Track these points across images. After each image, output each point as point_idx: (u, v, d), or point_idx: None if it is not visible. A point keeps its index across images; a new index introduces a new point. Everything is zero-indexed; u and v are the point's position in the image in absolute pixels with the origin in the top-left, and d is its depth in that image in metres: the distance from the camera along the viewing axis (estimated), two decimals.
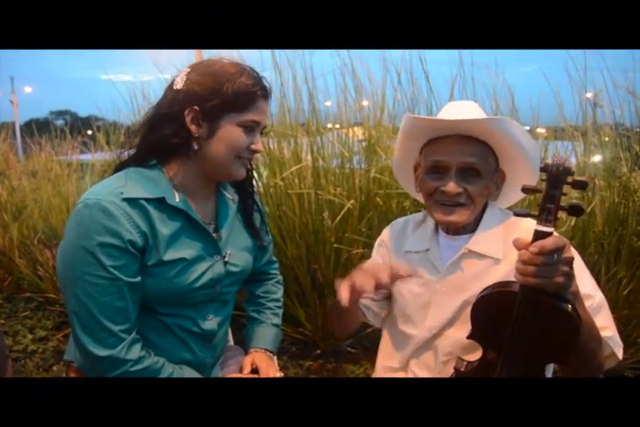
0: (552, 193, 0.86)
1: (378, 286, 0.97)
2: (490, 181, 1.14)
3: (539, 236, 0.85)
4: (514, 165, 1.17)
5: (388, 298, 1.29)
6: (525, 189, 0.92)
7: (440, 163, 1.12)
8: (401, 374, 1.24)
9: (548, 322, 0.91)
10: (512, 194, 1.26)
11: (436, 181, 1.12)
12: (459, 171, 1.10)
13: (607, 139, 2.52)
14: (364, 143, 2.64)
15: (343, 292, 0.96)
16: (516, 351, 0.95)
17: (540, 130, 2.77)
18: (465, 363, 1.08)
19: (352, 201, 2.33)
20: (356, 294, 0.97)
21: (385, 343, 1.31)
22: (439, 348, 1.16)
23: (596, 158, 2.54)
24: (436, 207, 1.14)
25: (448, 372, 1.14)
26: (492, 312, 0.98)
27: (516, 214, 0.92)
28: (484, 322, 1.01)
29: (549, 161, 0.87)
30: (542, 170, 0.88)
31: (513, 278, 0.95)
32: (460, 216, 1.12)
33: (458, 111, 1.14)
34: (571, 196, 2.26)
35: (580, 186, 0.86)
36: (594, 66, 2.38)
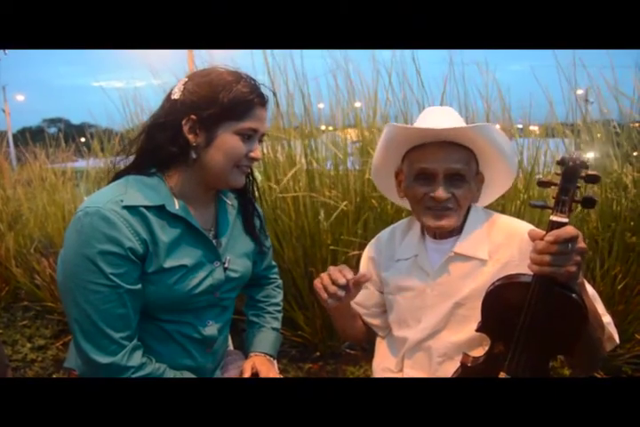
0: (567, 186, 0.91)
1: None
2: (473, 184, 1.17)
3: (554, 226, 0.89)
4: (494, 168, 1.21)
5: (385, 311, 1.32)
6: (541, 183, 0.96)
7: (427, 170, 1.14)
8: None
9: (559, 312, 0.94)
10: (490, 195, 1.30)
11: (424, 187, 1.15)
12: (446, 177, 1.13)
13: (598, 135, 2.54)
14: (357, 145, 2.65)
15: (319, 292, 1.08)
16: (526, 343, 0.97)
17: (533, 127, 2.79)
18: (471, 358, 1.09)
19: (345, 202, 2.34)
20: (328, 287, 1.06)
21: (380, 348, 1.33)
22: (433, 349, 1.18)
23: (588, 155, 2.55)
24: (426, 213, 1.16)
25: (445, 372, 1.15)
26: (503, 304, 1.00)
27: (533, 206, 0.96)
28: (494, 314, 1.03)
29: (566, 155, 0.91)
30: (559, 163, 0.92)
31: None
32: (449, 220, 1.15)
33: (438, 118, 1.16)
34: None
35: (594, 180, 0.90)
36: (583, 62, 2.40)
